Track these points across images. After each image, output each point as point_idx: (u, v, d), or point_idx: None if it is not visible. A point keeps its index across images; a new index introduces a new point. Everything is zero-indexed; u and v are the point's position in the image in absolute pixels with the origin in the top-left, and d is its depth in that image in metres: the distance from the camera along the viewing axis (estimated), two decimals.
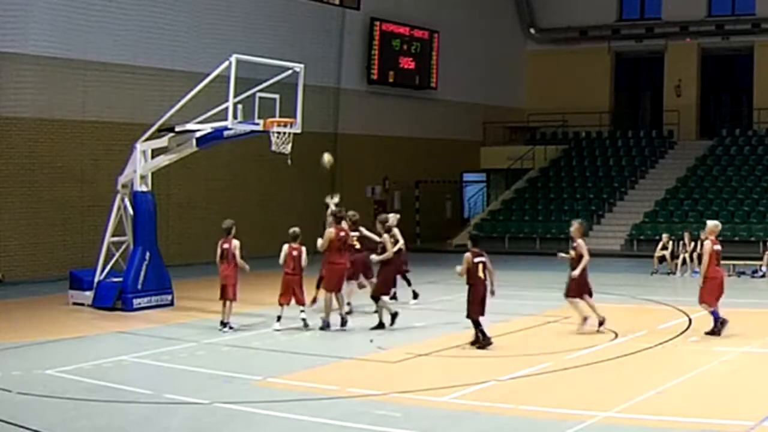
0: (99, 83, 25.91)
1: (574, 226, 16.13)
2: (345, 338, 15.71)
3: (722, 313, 15.03)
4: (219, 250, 16.51)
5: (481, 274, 14.39)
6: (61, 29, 24.79)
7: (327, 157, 17.13)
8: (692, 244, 25.05)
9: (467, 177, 41.55)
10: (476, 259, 14.39)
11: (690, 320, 16.52)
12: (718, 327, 14.99)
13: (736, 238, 30.89)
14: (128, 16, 26.45)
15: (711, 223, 15.73)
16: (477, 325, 14.43)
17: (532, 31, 42.65)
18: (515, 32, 42.63)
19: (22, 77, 24.24)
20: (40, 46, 24.39)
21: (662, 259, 25.43)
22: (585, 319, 15.57)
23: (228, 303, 16.38)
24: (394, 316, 16.14)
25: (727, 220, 32.07)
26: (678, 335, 15.19)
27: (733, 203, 33.42)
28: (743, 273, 24.57)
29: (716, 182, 35.07)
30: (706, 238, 15.60)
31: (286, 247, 16.26)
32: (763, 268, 24.16)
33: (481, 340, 14.40)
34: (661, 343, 14.39)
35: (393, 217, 18.37)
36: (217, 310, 16.68)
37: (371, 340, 15.11)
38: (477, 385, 11.73)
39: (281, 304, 16.27)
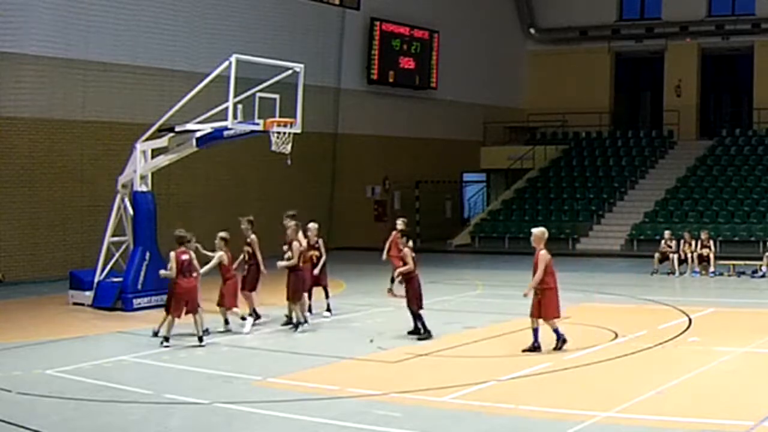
0: (99, 83, 25.91)
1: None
2: (345, 338, 15.71)
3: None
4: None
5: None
6: (61, 29, 24.79)
7: None
8: (692, 243, 25.06)
9: (467, 177, 41.56)
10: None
11: (690, 320, 16.52)
12: (558, 344, 13.76)
13: (736, 238, 30.91)
14: (128, 16, 26.46)
15: (539, 231, 14.02)
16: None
17: (532, 31, 42.65)
18: (515, 32, 42.64)
19: (22, 77, 24.24)
20: (40, 46, 24.39)
21: (664, 258, 25.34)
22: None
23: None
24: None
25: (727, 220, 32.15)
26: (678, 335, 15.18)
27: (733, 203, 33.40)
28: (743, 273, 24.52)
29: (716, 182, 35.05)
30: (541, 249, 13.80)
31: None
32: (764, 268, 24.11)
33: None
34: (661, 343, 14.37)
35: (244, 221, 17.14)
36: (216, 309, 16.61)
37: (371, 340, 15.10)
38: (477, 385, 11.71)
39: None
